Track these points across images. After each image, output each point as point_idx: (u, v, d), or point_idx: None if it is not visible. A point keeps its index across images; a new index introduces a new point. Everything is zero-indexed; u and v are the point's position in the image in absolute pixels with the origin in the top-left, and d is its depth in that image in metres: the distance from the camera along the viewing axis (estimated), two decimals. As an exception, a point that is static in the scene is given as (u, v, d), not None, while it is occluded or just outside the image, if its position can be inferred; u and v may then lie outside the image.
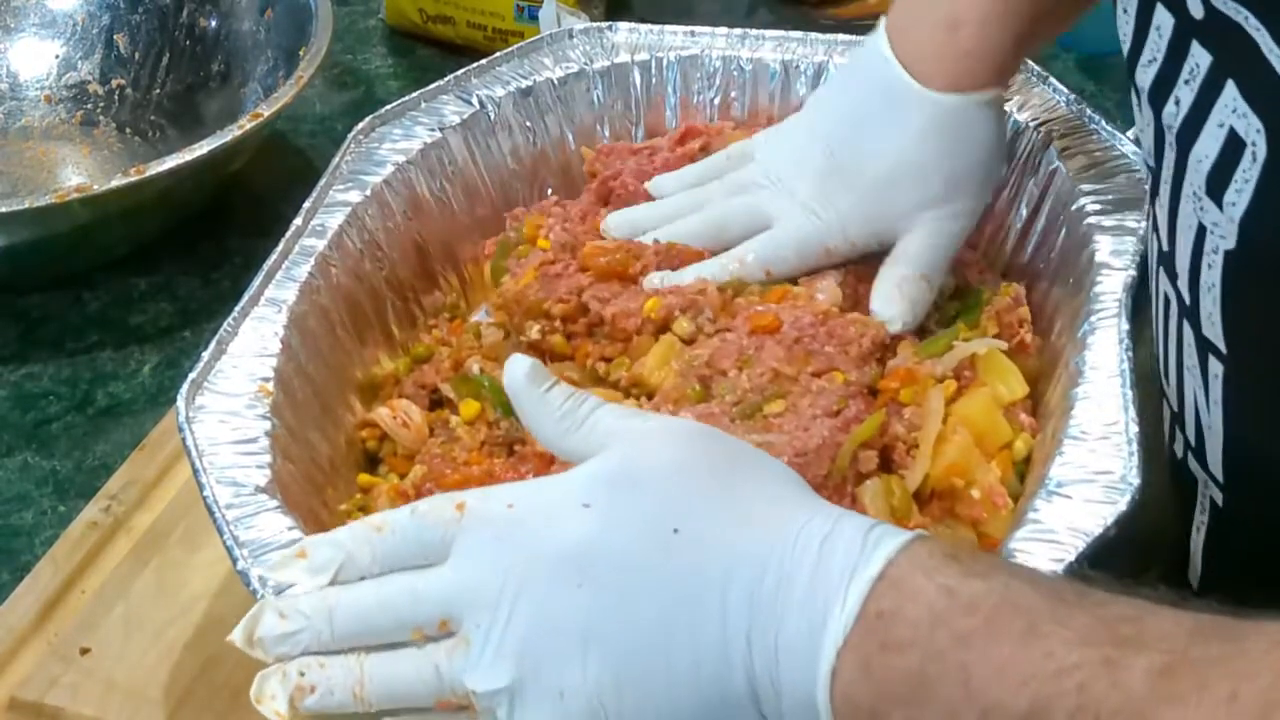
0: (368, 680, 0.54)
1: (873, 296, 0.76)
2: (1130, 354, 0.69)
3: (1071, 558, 0.60)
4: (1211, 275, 0.59)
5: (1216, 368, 0.61)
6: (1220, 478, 0.65)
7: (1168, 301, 0.65)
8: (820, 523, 0.52)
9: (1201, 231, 0.59)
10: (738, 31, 0.96)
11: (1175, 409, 0.67)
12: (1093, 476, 0.63)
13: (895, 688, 0.49)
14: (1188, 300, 0.62)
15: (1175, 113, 0.59)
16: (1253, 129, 0.55)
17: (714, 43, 0.95)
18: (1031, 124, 0.86)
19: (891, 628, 0.49)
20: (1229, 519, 0.67)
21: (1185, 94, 0.58)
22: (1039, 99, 0.87)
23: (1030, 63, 0.88)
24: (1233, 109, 0.55)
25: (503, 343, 0.80)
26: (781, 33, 0.95)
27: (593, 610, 0.51)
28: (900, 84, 0.76)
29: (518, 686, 0.51)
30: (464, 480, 0.70)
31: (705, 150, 0.91)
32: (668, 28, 0.96)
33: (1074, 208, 0.80)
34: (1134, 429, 0.65)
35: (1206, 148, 0.57)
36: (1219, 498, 0.66)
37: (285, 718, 0.53)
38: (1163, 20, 0.59)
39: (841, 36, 0.93)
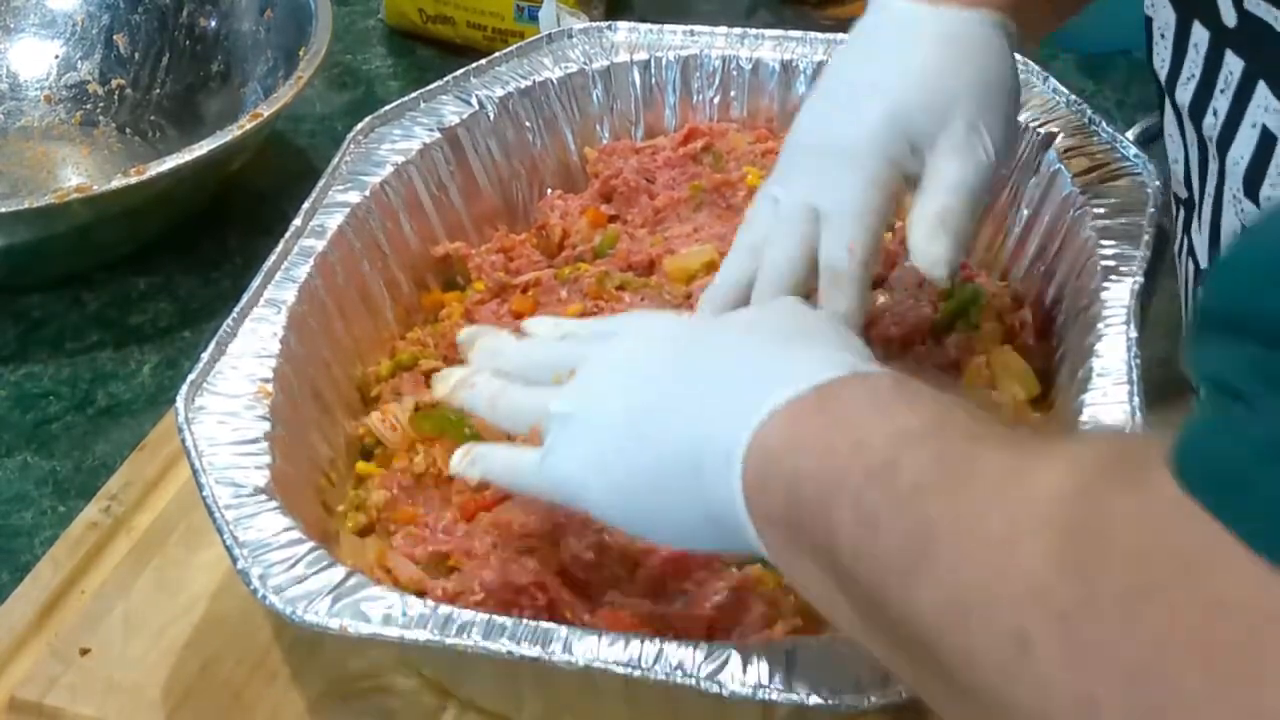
0: (502, 397, 0.65)
1: (911, 232, 0.69)
2: (1138, 361, 0.69)
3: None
4: None
5: None
6: None
7: None
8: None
9: None
10: (737, 31, 0.96)
11: None
12: None
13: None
14: None
15: (1214, 123, 0.60)
16: None
17: (714, 43, 0.95)
18: (1032, 125, 0.85)
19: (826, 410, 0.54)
20: None
21: (1221, 103, 0.60)
22: (1039, 100, 0.87)
23: (1030, 63, 0.88)
24: (1265, 107, 0.57)
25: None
26: (781, 32, 0.96)
27: (630, 388, 0.62)
28: (908, 9, 0.74)
29: (574, 413, 0.62)
30: (410, 517, 0.71)
31: (707, 150, 0.91)
32: (667, 27, 0.96)
33: (1077, 212, 0.79)
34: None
35: (1241, 149, 0.58)
36: None
37: (444, 397, 0.68)
38: (1200, 37, 0.61)
39: (841, 36, 0.93)
